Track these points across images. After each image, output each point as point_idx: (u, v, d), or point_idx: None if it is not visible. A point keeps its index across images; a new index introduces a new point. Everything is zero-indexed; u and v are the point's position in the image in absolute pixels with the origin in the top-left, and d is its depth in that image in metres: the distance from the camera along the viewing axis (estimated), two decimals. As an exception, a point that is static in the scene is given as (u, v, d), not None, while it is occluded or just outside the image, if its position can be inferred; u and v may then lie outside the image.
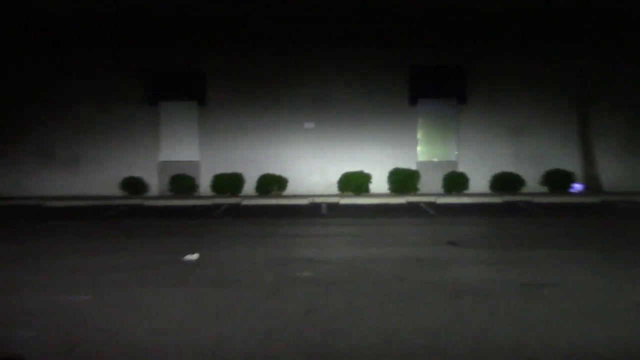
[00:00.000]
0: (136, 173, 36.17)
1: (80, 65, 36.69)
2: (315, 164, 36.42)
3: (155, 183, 36.44)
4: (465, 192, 35.34)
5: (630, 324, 11.18)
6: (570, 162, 35.72)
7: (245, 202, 33.34)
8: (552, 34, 35.65)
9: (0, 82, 36.51)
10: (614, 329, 10.87)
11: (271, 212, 29.36)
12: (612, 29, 35.32)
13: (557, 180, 35.38)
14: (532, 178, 35.49)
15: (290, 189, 35.78)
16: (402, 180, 35.35)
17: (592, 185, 35.08)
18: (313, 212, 29.73)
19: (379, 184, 35.69)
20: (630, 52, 35.81)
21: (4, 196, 34.92)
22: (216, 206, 32.22)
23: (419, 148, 36.84)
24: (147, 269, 16.23)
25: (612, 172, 35.84)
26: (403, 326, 11.09)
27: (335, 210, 30.38)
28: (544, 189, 35.35)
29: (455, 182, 35.48)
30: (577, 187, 35.52)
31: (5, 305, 12.78)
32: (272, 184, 35.41)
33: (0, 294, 13.72)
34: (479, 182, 35.74)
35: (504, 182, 35.36)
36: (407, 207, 31.62)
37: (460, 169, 36.31)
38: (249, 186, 35.65)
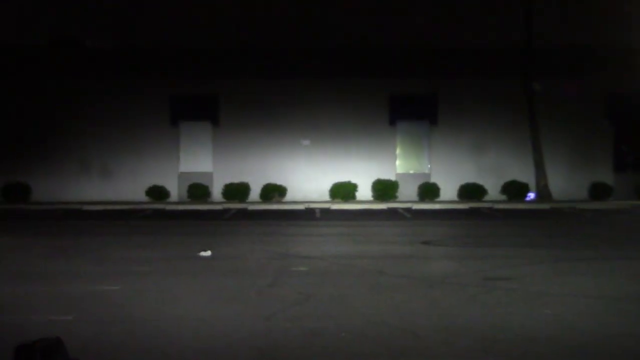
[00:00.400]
0: (159, 182, 36.07)
1: (112, 89, 36.65)
2: (310, 175, 36.37)
3: (175, 191, 36.36)
4: (437, 199, 35.30)
5: (571, 305, 11.15)
6: (526, 174, 35.70)
7: (251, 207, 33.26)
8: (506, 66, 35.78)
9: (46, 103, 36.42)
10: (559, 311, 10.84)
11: (273, 216, 29.32)
12: (557, 62, 35.50)
13: (514, 189, 35.37)
14: (493, 188, 35.46)
15: (289, 196, 35.71)
16: (383, 189, 35.32)
17: (543, 194, 35.06)
18: (308, 215, 29.69)
19: (364, 192, 35.65)
20: (573, 81, 35.90)
21: (48, 201, 34.81)
22: (226, 210, 32.15)
23: (397, 162, 36.81)
24: (168, 263, 16.18)
25: (560, 183, 35.85)
26: (384, 311, 11.04)
27: (327, 214, 30.34)
28: (504, 197, 35.32)
29: (428, 191, 35.45)
30: (531, 195, 35.52)
31: (44, 293, 12.71)
32: (273, 191, 35.34)
33: (41, 283, 13.65)
34: (448, 191, 35.71)
35: (470, 191, 35.34)
36: (387, 211, 31.60)
37: (433, 180, 36.28)
38: (255, 194, 35.56)
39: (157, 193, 35.64)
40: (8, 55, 36.66)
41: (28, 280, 13.90)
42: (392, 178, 36.25)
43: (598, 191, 35.37)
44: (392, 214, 30.44)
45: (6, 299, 12.26)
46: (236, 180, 35.95)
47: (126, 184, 36.33)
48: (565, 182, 36.09)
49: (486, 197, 35.23)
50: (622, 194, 35.42)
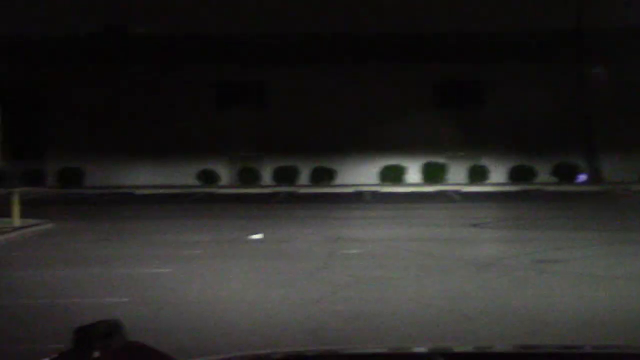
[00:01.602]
0: (210, 166, 36.36)
1: (167, 79, 36.96)
2: (360, 158, 36.34)
3: (225, 174, 36.62)
4: (487, 182, 35.06)
5: (622, 288, 11.05)
6: (577, 156, 35.25)
7: (301, 190, 33.37)
8: (556, 50, 35.31)
9: (95, 90, 36.84)
10: (609, 294, 10.74)
11: (322, 199, 29.37)
12: (608, 45, 34.91)
13: (564, 171, 34.98)
14: (543, 170, 35.09)
15: (339, 179, 35.72)
16: (432, 171, 35.20)
17: (595, 176, 34.62)
18: (358, 199, 29.69)
19: (414, 175, 35.55)
20: (625, 65, 35.29)
21: (101, 186, 35.27)
22: (276, 194, 32.29)
23: (447, 145, 36.61)
24: (219, 245, 16.32)
25: (612, 165, 35.33)
26: (433, 293, 11.05)
27: (376, 197, 30.30)
28: (554, 179, 34.95)
29: (478, 173, 35.24)
30: (582, 177, 35.09)
31: (99, 276, 12.92)
32: (323, 174, 35.40)
33: (96, 266, 13.88)
34: (498, 174, 35.44)
35: (519, 173, 35.03)
36: (437, 194, 31.45)
37: (482, 162, 36.03)
38: (304, 176, 35.66)
39: (208, 177, 35.93)
40: (59, 43, 37.13)
41: (83, 264, 14.15)
42: (441, 161, 36.08)
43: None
44: (441, 196, 30.30)
45: (62, 282, 12.50)
46: (286, 163, 36.09)
47: (177, 168, 36.68)
48: (618, 164, 35.57)
49: (536, 179, 34.91)
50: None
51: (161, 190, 33.54)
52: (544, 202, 27.58)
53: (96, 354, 2.42)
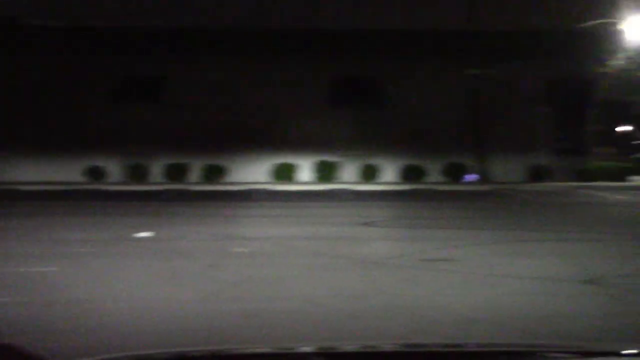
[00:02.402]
0: (100, 162, 35.72)
1: (60, 72, 36.10)
2: (252, 156, 36.31)
3: (116, 171, 36.04)
4: (378, 180, 35.57)
5: (507, 286, 11.38)
6: (466, 156, 36.14)
7: (193, 187, 33.11)
8: (447, 50, 36.13)
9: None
10: (495, 292, 11.05)
11: (214, 197, 29.23)
12: (498, 46, 35.91)
13: (454, 171, 35.82)
14: (434, 169, 35.83)
15: (231, 177, 35.61)
16: (325, 170, 35.48)
17: (484, 175, 35.55)
18: (249, 197, 29.65)
19: (306, 173, 35.76)
20: (514, 65, 36.35)
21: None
22: (167, 191, 31.91)
23: (339, 143, 36.95)
24: (106, 244, 16.05)
25: (500, 165, 36.35)
26: (322, 292, 11.14)
27: (268, 195, 30.31)
28: (444, 179, 35.72)
29: (370, 172, 35.72)
30: (471, 177, 35.98)
31: None
32: (214, 172, 35.23)
33: None
34: (389, 173, 36.00)
35: (411, 173, 35.68)
36: (329, 192, 31.70)
37: (374, 161, 36.52)
38: (196, 174, 35.40)
39: (95, 173, 35.29)
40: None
41: (-38, 262, 13.70)
42: (335, 159, 36.41)
43: (537, 173, 35.98)
44: (333, 195, 30.56)
45: (-61, 280, 12.07)
46: (177, 160, 35.77)
47: (65, 164, 35.89)
48: (506, 165, 36.64)
49: (427, 179, 35.60)
50: (561, 176, 36.07)
51: (47, 187, 32.75)
52: (434, 201, 28.15)
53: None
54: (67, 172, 35.40)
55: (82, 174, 35.22)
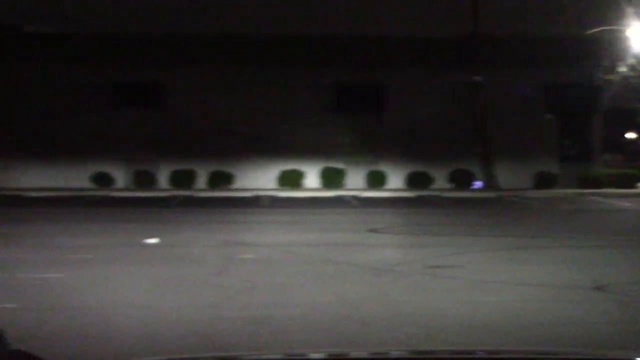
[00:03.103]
0: (104, 169, 35.77)
1: (61, 78, 36.18)
2: (258, 162, 36.33)
3: (121, 177, 36.10)
4: (385, 187, 35.54)
5: (512, 293, 11.37)
6: (473, 163, 36.06)
7: (198, 194, 33.12)
8: (452, 57, 36.15)
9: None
10: (500, 299, 11.04)
11: (221, 203, 29.23)
12: (501, 53, 35.93)
13: (460, 178, 35.76)
14: (440, 176, 35.79)
15: (238, 183, 35.59)
16: (331, 176, 35.48)
17: (489, 182, 35.50)
18: (256, 203, 29.66)
19: (312, 180, 35.76)
20: (517, 73, 36.38)
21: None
22: (173, 197, 31.92)
23: (345, 150, 36.95)
24: (113, 250, 16.07)
25: (506, 171, 36.27)
26: (329, 299, 11.15)
27: (275, 202, 30.33)
28: (451, 186, 35.68)
29: (376, 178, 35.69)
30: (477, 184, 35.95)
31: None
32: (221, 178, 35.25)
33: None
34: (396, 179, 35.97)
35: (417, 179, 35.63)
36: (335, 199, 31.71)
37: (380, 168, 36.51)
38: (202, 180, 35.42)
39: (102, 179, 35.34)
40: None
41: (-31, 268, 13.72)
42: (340, 166, 36.40)
43: (543, 180, 35.93)
44: (339, 201, 30.57)
45: (-54, 287, 12.10)
46: (183, 167, 35.79)
47: (69, 171, 35.93)
48: (512, 171, 36.57)
49: (433, 185, 35.58)
50: (567, 183, 35.99)
51: (52, 193, 32.79)
52: (440, 207, 28.14)
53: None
54: (74, 179, 35.46)
55: (89, 180, 35.27)
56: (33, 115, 36.06)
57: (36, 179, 35.58)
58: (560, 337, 9.16)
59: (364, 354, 4.30)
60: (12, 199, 30.47)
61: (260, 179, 36.06)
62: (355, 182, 36.00)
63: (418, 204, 29.75)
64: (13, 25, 37.02)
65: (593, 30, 33.14)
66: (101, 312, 10.34)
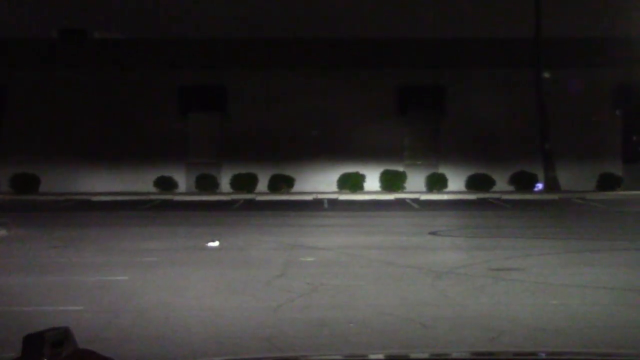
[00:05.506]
0: (167, 173, 36.18)
1: (126, 84, 36.71)
2: (318, 165, 36.36)
3: (183, 181, 36.48)
4: (445, 190, 35.25)
5: (577, 296, 11.18)
6: (534, 164, 35.56)
7: (259, 198, 33.28)
8: (515, 57, 35.71)
9: (52, 95, 36.44)
10: (565, 302, 10.86)
11: (281, 207, 29.30)
12: (566, 52, 35.39)
13: (522, 180, 35.29)
14: (501, 178, 35.37)
15: (297, 187, 35.62)
16: (391, 179, 35.32)
17: (552, 184, 34.98)
18: (316, 206, 29.70)
19: (372, 182, 35.62)
20: (582, 72, 35.79)
21: (57, 192, 34.87)
22: (234, 201, 32.11)
23: (405, 152, 36.77)
24: (176, 253, 16.21)
25: (568, 173, 35.72)
26: (391, 302, 11.08)
27: (335, 205, 30.33)
28: (512, 188, 35.25)
29: (436, 181, 35.41)
30: (539, 186, 35.45)
31: (54, 284, 12.76)
32: (281, 182, 35.33)
33: (51, 274, 13.70)
34: (456, 182, 35.65)
35: (478, 182, 35.27)
36: (395, 202, 31.58)
37: (440, 170, 36.24)
38: (262, 184, 35.56)
39: (165, 183, 35.72)
40: (15, 47, 36.67)
41: (38, 272, 13.98)
42: (400, 169, 36.23)
43: (606, 182, 35.28)
44: (399, 204, 30.44)
45: (17, 289, 12.34)
46: (244, 171, 35.99)
47: (134, 175, 36.39)
48: (574, 173, 35.98)
49: (494, 188, 35.19)
50: (631, 185, 35.31)
51: (118, 197, 33.26)
52: (501, 210, 27.83)
53: (46, 362, 2.40)
54: (139, 183, 35.89)
55: (153, 184, 35.67)
56: (101, 120, 36.61)
57: (104, 183, 36.11)
58: (628, 340, 8.96)
59: (424, 355, 4.24)
60: (81, 204, 30.98)
61: (320, 182, 36.07)
62: (415, 185, 35.78)
63: (479, 206, 29.46)
64: (81, 31, 37.61)
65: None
66: (166, 313, 10.42)
